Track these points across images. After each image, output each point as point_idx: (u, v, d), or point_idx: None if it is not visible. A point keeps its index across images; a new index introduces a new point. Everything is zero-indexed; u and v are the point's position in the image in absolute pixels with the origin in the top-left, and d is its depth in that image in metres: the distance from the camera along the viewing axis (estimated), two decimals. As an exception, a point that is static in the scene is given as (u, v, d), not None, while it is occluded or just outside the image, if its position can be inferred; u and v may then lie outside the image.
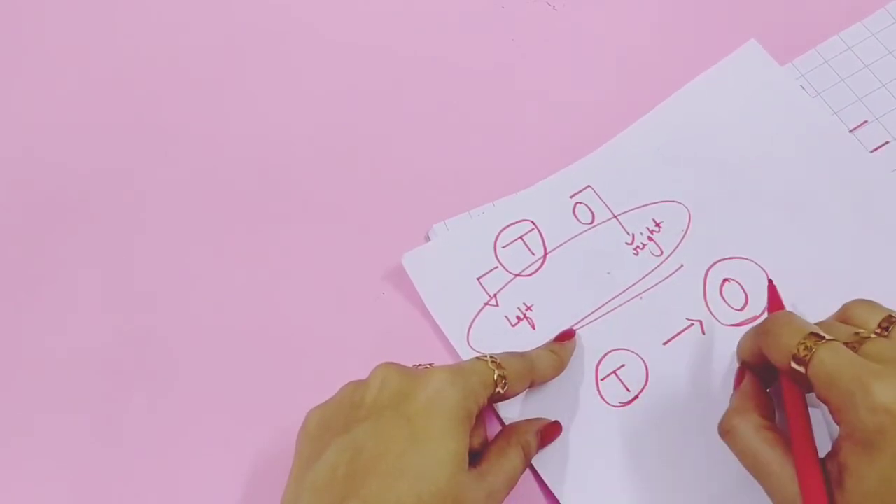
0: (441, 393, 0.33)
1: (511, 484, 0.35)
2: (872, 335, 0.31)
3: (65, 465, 0.43)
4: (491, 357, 0.37)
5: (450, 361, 0.43)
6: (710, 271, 0.43)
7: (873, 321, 0.32)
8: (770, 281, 0.39)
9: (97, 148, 0.51)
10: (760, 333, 0.34)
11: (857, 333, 0.31)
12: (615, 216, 0.45)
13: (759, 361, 0.35)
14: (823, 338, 0.31)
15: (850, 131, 0.45)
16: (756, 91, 0.47)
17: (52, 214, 0.50)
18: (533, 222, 0.45)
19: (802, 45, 0.48)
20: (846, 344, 0.31)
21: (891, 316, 0.32)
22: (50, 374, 0.45)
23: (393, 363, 0.36)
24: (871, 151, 0.45)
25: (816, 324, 0.33)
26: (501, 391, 0.36)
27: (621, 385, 0.41)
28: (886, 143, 0.45)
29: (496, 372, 0.36)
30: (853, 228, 0.43)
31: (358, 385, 0.36)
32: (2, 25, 0.56)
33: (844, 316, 0.34)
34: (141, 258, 0.48)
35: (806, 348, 0.30)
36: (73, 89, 0.53)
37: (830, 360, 0.30)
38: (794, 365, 0.31)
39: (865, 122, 0.45)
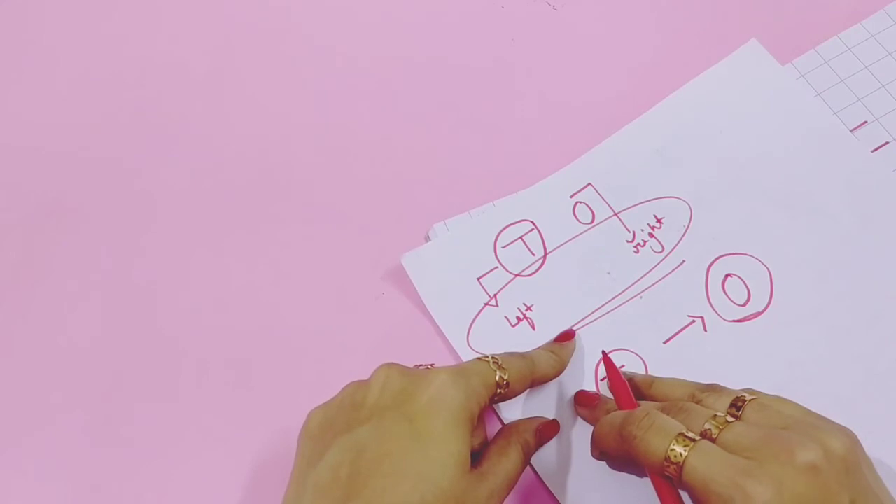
0: (443, 393, 0.33)
1: (511, 484, 0.35)
2: (728, 418, 0.32)
3: (65, 465, 0.43)
4: (492, 357, 0.37)
5: (450, 362, 0.43)
6: (713, 267, 0.43)
7: (722, 404, 0.34)
8: (605, 355, 0.41)
9: (98, 148, 0.51)
10: (626, 437, 0.33)
11: (715, 416, 0.32)
12: (616, 214, 0.45)
13: (620, 455, 0.34)
14: (691, 439, 0.31)
15: (851, 131, 0.45)
16: (757, 90, 0.47)
17: (52, 214, 0.50)
18: (533, 222, 0.45)
19: (802, 45, 0.48)
20: (705, 432, 0.32)
21: (739, 397, 0.33)
22: (49, 374, 0.45)
23: (395, 364, 0.35)
24: (872, 151, 0.45)
25: (671, 401, 0.35)
26: (503, 392, 0.36)
27: (621, 385, 0.41)
28: (886, 143, 0.45)
29: (497, 373, 0.36)
30: (853, 227, 0.43)
31: (360, 385, 0.35)
32: (2, 25, 0.56)
33: (695, 400, 0.35)
34: (141, 258, 0.48)
35: (677, 454, 0.31)
36: (74, 89, 0.53)
37: (703, 466, 0.30)
38: (667, 471, 0.31)
39: (865, 122, 0.46)
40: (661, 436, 0.32)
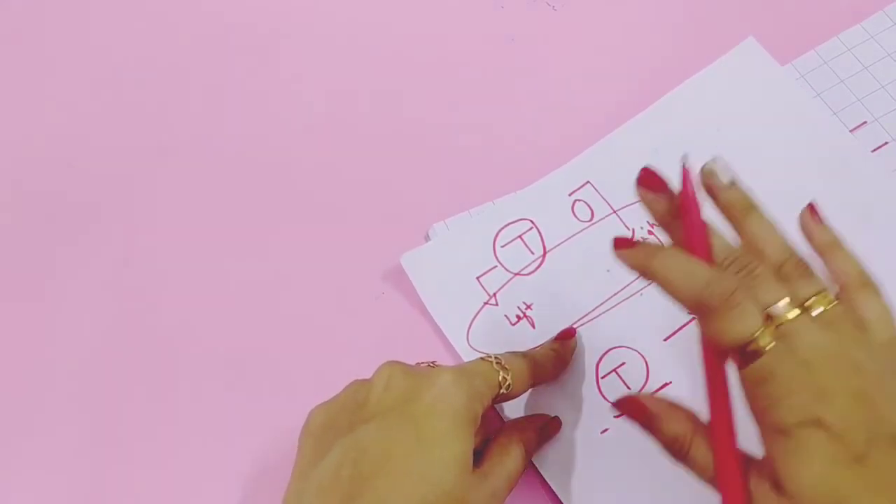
0: (447, 395, 0.33)
1: (513, 483, 0.35)
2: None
3: (65, 465, 0.43)
4: (495, 358, 0.37)
5: (450, 361, 0.43)
6: None
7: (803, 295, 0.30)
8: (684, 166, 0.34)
9: (98, 148, 0.51)
10: (702, 304, 0.30)
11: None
12: (615, 211, 0.45)
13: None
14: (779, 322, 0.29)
15: (850, 131, 0.45)
16: (755, 89, 0.47)
17: (52, 215, 0.49)
18: (532, 221, 0.45)
19: (802, 46, 0.48)
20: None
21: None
22: (50, 375, 0.45)
23: (398, 362, 0.35)
24: (872, 151, 0.45)
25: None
26: (505, 392, 0.36)
27: (622, 383, 0.41)
28: (886, 143, 0.45)
29: (500, 373, 0.36)
30: (853, 227, 0.43)
31: (362, 384, 0.35)
32: (2, 26, 0.56)
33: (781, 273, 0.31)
34: (140, 258, 0.48)
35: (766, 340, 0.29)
36: (74, 89, 0.53)
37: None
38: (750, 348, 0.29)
39: (865, 122, 0.46)
40: (748, 318, 0.29)
